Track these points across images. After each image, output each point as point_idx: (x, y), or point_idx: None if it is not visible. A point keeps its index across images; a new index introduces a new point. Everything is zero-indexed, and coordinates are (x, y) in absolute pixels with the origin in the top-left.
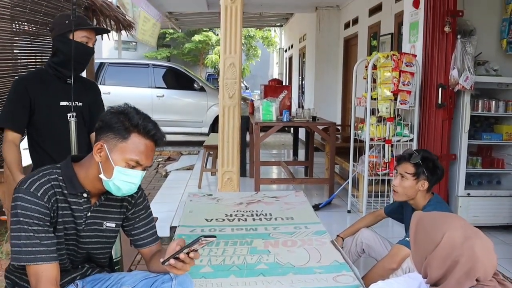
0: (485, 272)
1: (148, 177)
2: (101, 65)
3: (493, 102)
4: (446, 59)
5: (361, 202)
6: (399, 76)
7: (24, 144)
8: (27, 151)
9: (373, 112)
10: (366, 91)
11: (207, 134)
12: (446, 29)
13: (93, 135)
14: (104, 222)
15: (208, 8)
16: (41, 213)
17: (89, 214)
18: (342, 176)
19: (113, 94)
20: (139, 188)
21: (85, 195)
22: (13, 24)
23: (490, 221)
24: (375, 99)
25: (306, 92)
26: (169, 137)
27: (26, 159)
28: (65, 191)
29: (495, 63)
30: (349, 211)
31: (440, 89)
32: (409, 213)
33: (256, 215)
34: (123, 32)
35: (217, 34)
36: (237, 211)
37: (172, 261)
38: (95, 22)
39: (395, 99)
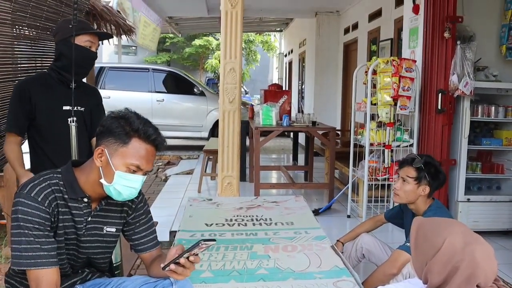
0: (486, 278)
1: (148, 181)
2: (101, 69)
3: (493, 108)
4: (445, 65)
5: (361, 207)
6: (399, 82)
7: (24, 148)
8: (27, 155)
9: (373, 117)
10: (366, 96)
11: (207, 139)
12: (446, 35)
13: (94, 140)
14: (105, 227)
15: (208, 13)
16: (42, 218)
17: (89, 218)
18: (342, 181)
19: (113, 98)
20: (140, 193)
21: (85, 199)
22: (14, 29)
23: (490, 226)
24: (375, 104)
25: (306, 97)
26: (168, 142)
27: (26, 164)
28: (66, 196)
29: (494, 69)
30: (349, 216)
31: (440, 94)
32: (409, 218)
33: (256, 220)
34: (123, 36)
35: (218, 39)
36: (237, 216)
37: (172, 266)
38: (95, 27)
39: (395, 104)
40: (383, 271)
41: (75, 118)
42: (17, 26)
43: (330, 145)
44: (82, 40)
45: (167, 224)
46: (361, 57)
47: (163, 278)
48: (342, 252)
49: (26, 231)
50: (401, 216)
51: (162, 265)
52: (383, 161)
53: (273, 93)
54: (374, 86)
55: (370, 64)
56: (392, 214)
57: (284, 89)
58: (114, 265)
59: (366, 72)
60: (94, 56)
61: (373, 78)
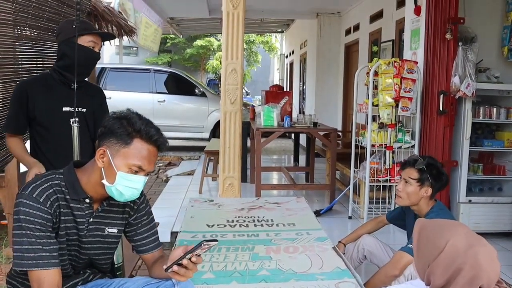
0: (489, 280)
1: (149, 182)
2: (103, 70)
3: (494, 109)
4: (447, 66)
5: (362, 208)
6: (401, 83)
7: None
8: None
9: (374, 118)
10: (368, 98)
11: (208, 140)
12: (448, 36)
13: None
14: (106, 228)
15: (210, 14)
16: (44, 219)
17: (91, 219)
18: (343, 182)
19: (114, 99)
20: (142, 193)
21: (87, 200)
22: (15, 30)
23: (492, 228)
24: (376, 105)
25: (307, 98)
26: (170, 142)
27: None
28: (68, 197)
29: (496, 70)
30: (350, 217)
31: (441, 96)
32: (411, 219)
33: (258, 221)
34: (124, 37)
35: (219, 39)
36: (238, 217)
37: (175, 267)
38: (97, 28)
39: (397, 105)
40: (385, 272)
41: (77, 119)
42: (18, 27)
43: (331, 146)
44: (85, 41)
45: (168, 225)
46: (362, 58)
47: (165, 279)
48: (344, 254)
49: (28, 232)
50: (403, 218)
51: (164, 267)
52: (385, 163)
53: (274, 94)
54: (375, 87)
55: (372, 65)
56: (393, 216)
57: (285, 90)
58: (116, 266)
59: (367, 73)
60: (97, 56)
61: (374, 79)
